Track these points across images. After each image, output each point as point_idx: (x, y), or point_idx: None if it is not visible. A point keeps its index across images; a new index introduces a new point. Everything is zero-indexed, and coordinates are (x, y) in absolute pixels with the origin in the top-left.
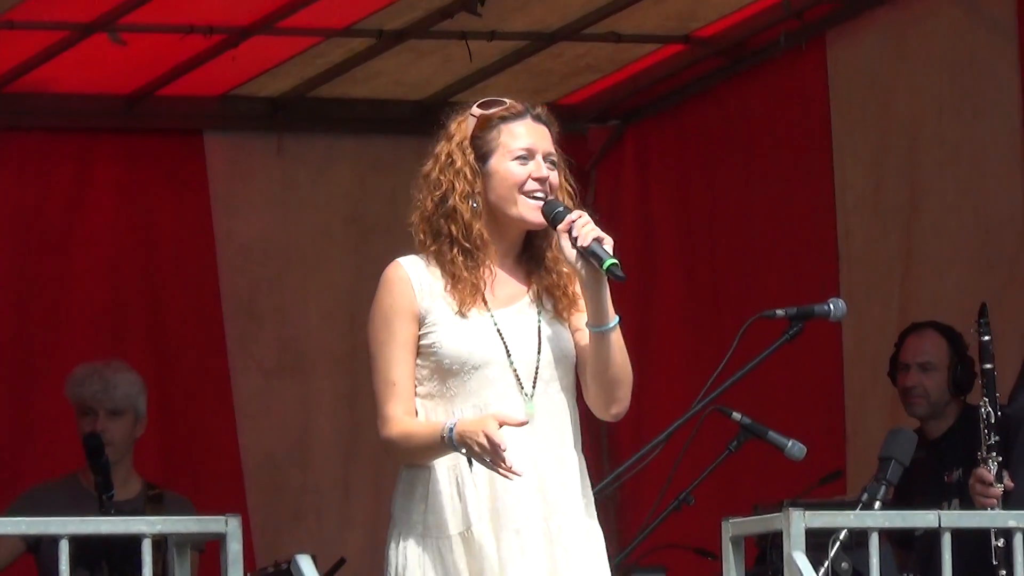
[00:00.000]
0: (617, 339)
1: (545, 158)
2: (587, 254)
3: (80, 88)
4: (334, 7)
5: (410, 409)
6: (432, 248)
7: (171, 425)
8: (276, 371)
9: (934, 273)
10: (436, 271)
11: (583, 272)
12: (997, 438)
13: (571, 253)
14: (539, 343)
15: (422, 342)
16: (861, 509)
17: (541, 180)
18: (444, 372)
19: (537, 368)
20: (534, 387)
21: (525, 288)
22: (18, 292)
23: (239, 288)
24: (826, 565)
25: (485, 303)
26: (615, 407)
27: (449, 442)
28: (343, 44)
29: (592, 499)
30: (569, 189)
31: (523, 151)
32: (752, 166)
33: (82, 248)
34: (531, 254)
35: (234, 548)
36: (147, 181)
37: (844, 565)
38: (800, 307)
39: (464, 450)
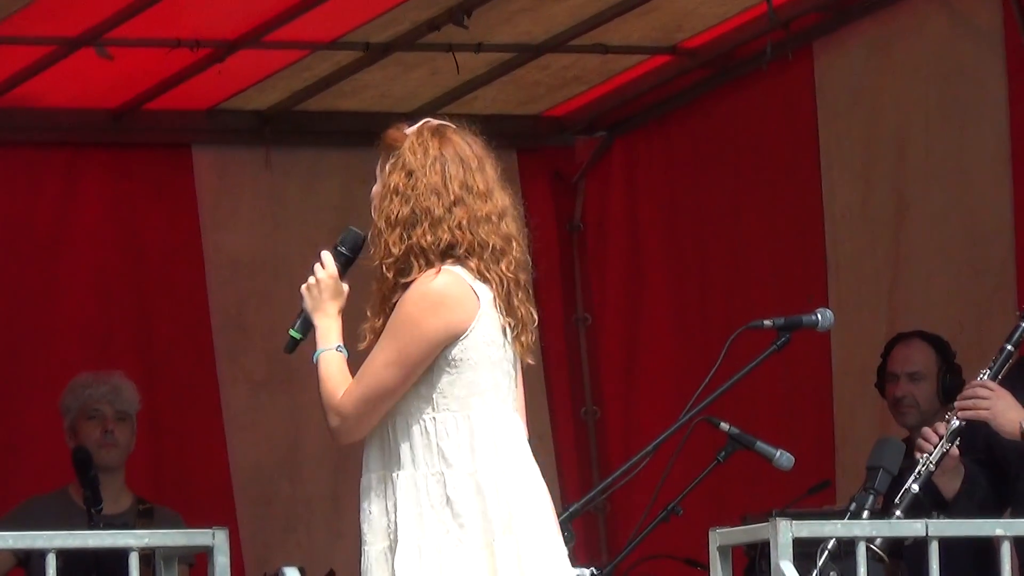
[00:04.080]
0: (321, 369)
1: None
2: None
3: (67, 103)
4: (320, 20)
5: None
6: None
7: (160, 438)
8: (265, 384)
9: (923, 283)
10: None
11: None
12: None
13: None
14: None
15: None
16: (849, 519)
17: None
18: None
19: None
20: None
21: None
22: (6, 307)
23: (228, 301)
24: (814, 575)
25: None
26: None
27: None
28: (330, 57)
29: (437, 517)
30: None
31: None
32: (740, 176)
33: (70, 263)
34: None
35: (221, 561)
36: (135, 195)
37: (832, 575)
38: (788, 317)
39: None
